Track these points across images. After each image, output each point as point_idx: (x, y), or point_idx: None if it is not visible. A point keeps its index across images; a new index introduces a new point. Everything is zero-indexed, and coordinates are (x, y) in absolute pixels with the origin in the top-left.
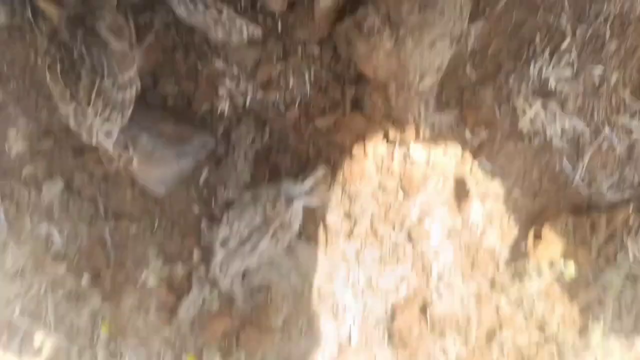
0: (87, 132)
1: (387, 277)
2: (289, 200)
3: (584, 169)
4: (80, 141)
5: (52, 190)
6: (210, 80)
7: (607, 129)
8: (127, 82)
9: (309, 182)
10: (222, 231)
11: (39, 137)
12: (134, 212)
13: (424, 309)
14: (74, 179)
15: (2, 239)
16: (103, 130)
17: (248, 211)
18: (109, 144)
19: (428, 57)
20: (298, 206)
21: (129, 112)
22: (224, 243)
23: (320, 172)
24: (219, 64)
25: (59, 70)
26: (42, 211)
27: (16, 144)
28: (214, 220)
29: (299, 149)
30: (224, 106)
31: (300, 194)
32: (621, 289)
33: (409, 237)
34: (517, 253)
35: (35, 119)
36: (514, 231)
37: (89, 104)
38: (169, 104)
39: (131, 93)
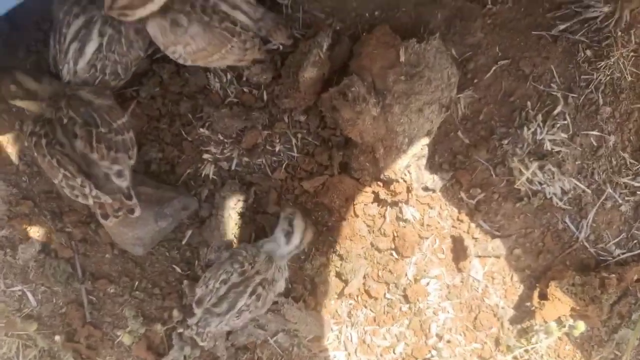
0: (80, 192)
1: (381, 335)
2: (270, 259)
3: (589, 227)
4: (59, 205)
5: (28, 251)
6: (195, 146)
7: (609, 189)
8: (122, 127)
9: (296, 238)
10: (199, 290)
11: (17, 201)
12: (112, 273)
13: None
14: (52, 241)
15: None
16: (114, 171)
17: (224, 269)
18: (122, 184)
19: (417, 122)
20: (280, 262)
21: (134, 153)
22: (200, 303)
23: (300, 224)
24: (203, 131)
25: (44, 144)
26: (16, 272)
27: None
28: (196, 280)
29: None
30: (209, 170)
31: (292, 250)
32: (638, 346)
33: (405, 296)
34: (523, 311)
35: (16, 184)
36: (517, 290)
37: (92, 151)
38: (152, 169)
39: (130, 135)
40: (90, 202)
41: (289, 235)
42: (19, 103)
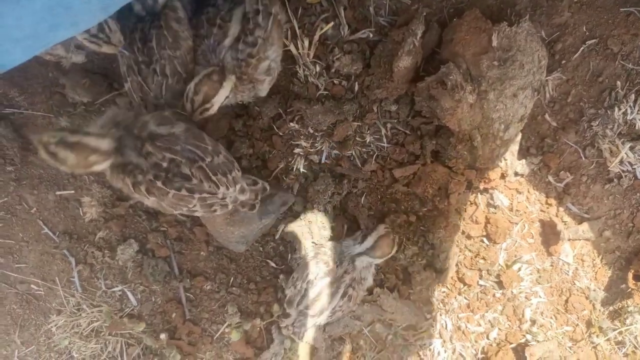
0: (221, 203)
1: (476, 322)
2: (352, 258)
3: None
4: None
5: (127, 252)
6: (285, 140)
7: None
8: (214, 145)
9: (369, 241)
10: (288, 292)
11: (113, 203)
12: (208, 270)
13: (517, 352)
14: (148, 240)
15: (76, 301)
16: (237, 191)
17: (310, 269)
18: (246, 196)
19: (512, 107)
20: (363, 262)
21: (237, 164)
22: (290, 303)
23: (381, 229)
24: (293, 125)
25: (161, 184)
26: (115, 273)
27: (90, 210)
28: (291, 274)
29: (378, 201)
30: (300, 164)
31: (361, 252)
32: None
33: (499, 282)
34: (614, 293)
35: (109, 186)
36: (607, 272)
37: (217, 187)
38: (243, 165)
39: (223, 149)
40: (230, 206)
41: (365, 236)
42: (100, 167)
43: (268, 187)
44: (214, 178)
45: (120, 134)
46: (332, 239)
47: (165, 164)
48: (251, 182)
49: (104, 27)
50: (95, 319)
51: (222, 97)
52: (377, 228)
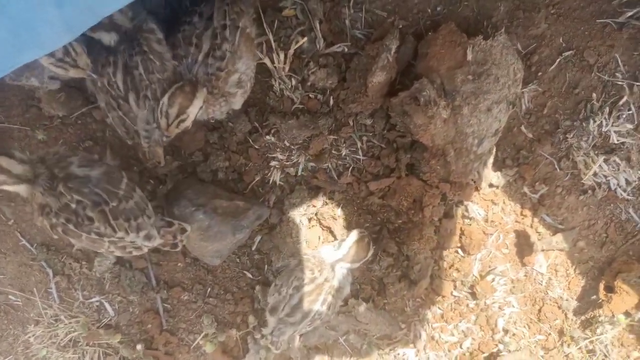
0: (134, 246)
1: (449, 332)
2: (332, 266)
3: None
4: None
5: (104, 263)
6: (261, 153)
7: None
8: (128, 189)
9: (345, 247)
10: (271, 299)
11: None
12: (185, 281)
13: None
14: None
15: (54, 312)
16: (141, 238)
17: (295, 276)
18: (155, 243)
19: (486, 122)
20: (343, 269)
21: (150, 209)
22: (274, 311)
23: (355, 235)
24: (270, 138)
25: (74, 227)
26: (93, 284)
27: None
28: (268, 285)
29: (353, 213)
30: (276, 177)
31: (340, 259)
32: None
33: (472, 293)
34: (586, 303)
35: None
36: (580, 281)
37: (114, 231)
38: (220, 177)
39: (139, 193)
40: (145, 249)
41: (341, 243)
42: (9, 188)
43: (188, 229)
44: (112, 222)
45: (42, 172)
46: (311, 248)
47: (73, 205)
48: (166, 224)
49: (69, 50)
50: (72, 330)
51: (196, 107)
52: (351, 234)
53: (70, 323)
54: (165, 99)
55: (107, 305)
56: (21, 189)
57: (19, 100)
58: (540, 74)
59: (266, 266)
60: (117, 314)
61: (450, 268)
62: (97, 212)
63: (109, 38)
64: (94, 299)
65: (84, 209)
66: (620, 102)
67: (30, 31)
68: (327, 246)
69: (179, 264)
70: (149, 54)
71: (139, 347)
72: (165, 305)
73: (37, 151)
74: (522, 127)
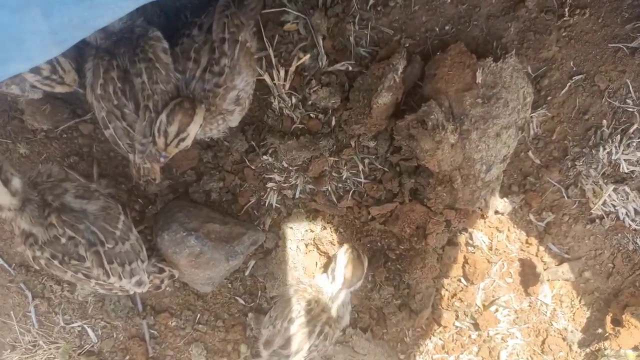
0: (121, 289)
1: None
2: (332, 298)
3: None
4: None
5: (87, 286)
6: (258, 173)
7: None
8: (126, 228)
9: (339, 274)
10: (265, 332)
11: None
12: (173, 306)
13: None
14: None
15: (32, 337)
16: (132, 284)
17: (291, 307)
18: (144, 289)
19: (494, 147)
20: (340, 297)
21: (144, 253)
22: (268, 345)
23: (344, 259)
24: (267, 158)
25: (58, 264)
26: (75, 307)
27: None
28: (261, 312)
29: (353, 238)
30: (272, 199)
31: (339, 288)
32: None
33: (475, 324)
34: (592, 334)
35: None
36: (586, 312)
37: (108, 276)
38: (213, 198)
39: (135, 234)
40: (132, 292)
41: (332, 272)
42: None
43: (177, 275)
44: (106, 266)
45: (32, 198)
46: (307, 275)
47: (63, 240)
48: (157, 271)
49: (57, 68)
50: (52, 356)
51: (197, 124)
52: (339, 258)
53: (49, 349)
54: (163, 117)
55: (89, 330)
56: (3, 214)
57: (0, 112)
58: (549, 98)
59: (260, 292)
60: (100, 340)
61: (452, 297)
62: (92, 252)
63: (93, 36)
64: (75, 324)
65: (76, 246)
66: (631, 130)
67: (19, 44)
68: (322, 277)
69: (168, 289)
70: (155, 62)
71: None
72: (152, 331)
73: (20, 167)
74: (530, 153)
